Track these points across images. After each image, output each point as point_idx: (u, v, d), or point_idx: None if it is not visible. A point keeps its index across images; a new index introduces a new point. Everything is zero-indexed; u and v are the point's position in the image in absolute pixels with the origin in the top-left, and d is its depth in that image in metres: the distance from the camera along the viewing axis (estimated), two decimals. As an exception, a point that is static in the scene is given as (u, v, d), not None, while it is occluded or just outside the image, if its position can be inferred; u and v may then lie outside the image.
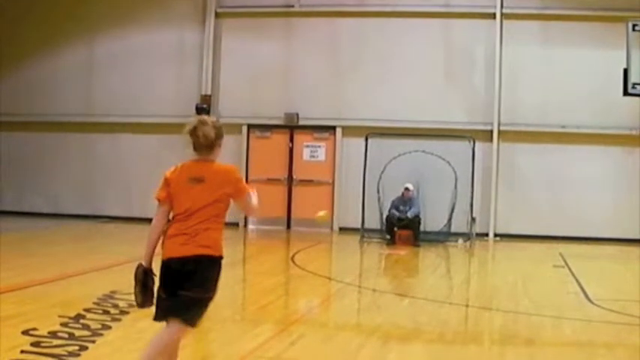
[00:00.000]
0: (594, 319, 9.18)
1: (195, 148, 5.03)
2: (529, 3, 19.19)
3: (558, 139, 18.90)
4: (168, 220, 5.08)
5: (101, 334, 7.15)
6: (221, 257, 5.05)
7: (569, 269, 13.75)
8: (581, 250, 17.24)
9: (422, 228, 17.57)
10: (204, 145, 5.00)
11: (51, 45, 21.11)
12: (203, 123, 5.04)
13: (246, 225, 20.10)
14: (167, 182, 5.07)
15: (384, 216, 17.75)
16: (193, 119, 5.11)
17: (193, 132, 5.01)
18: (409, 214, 17.26)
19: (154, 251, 5.08)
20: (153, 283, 5.01)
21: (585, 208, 18.65)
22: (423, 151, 18.16)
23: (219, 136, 5.06)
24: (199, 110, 19.90)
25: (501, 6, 19.09)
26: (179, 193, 5.02)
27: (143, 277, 5.00)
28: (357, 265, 15.04)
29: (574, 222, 18.64)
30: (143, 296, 5.01)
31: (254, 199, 5.17)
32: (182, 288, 4.88)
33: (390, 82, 19.45)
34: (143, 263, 5.02)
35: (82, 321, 7.65)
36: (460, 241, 17.73)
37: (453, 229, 18.09)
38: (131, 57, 20.62)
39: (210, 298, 4.96)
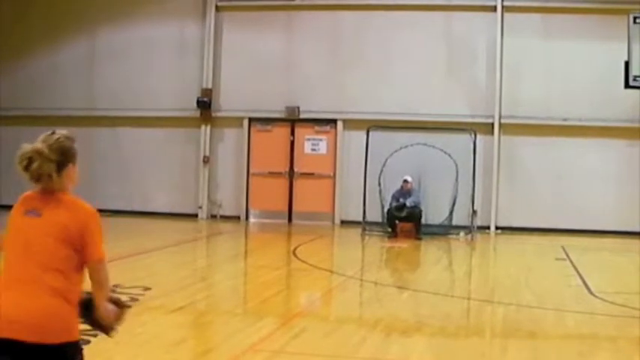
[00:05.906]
0: (596, 311, 9.18)
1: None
2: (530, -5, 19.17)
3: (560, 132, 18.86)
4: None
5: (103, 328, 7.13)
6: (75, 342, 3.89)
7: (571, 262, 13.75)
8: (583, 242, 17.20)
9: (423, 221, 17.53)
10: (39, 178, 3.91)
11: (52, 39, 21.06)
12: (39, 154, 3.86)
13: (247, 218, 20.08)
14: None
15: (386, 209, 17.74)
16: (27, 148, 3.93)
17: (26, 168, 3.91)
18: (408, 202, 17.23)
19: None
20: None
21: (587, 201, 18.61)
22: (425, 144, 18.12)
23: (62, 162, 3.93)
24: (200, 104, 19.92)
25: (502, -2, 19.08)
26: (10, 231, 3.83)
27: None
28: (359, 259, 15.04)
29: (576, 215, 18.61)
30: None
31: (104, 273, 3.97)
32: None
33: (391, 75, 19.41)
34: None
35: (83, 315, 7.63)
36: (462, 234, 17.73)
37: (455, 222, 18.07)
38: (132, 51, 20.58)
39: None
